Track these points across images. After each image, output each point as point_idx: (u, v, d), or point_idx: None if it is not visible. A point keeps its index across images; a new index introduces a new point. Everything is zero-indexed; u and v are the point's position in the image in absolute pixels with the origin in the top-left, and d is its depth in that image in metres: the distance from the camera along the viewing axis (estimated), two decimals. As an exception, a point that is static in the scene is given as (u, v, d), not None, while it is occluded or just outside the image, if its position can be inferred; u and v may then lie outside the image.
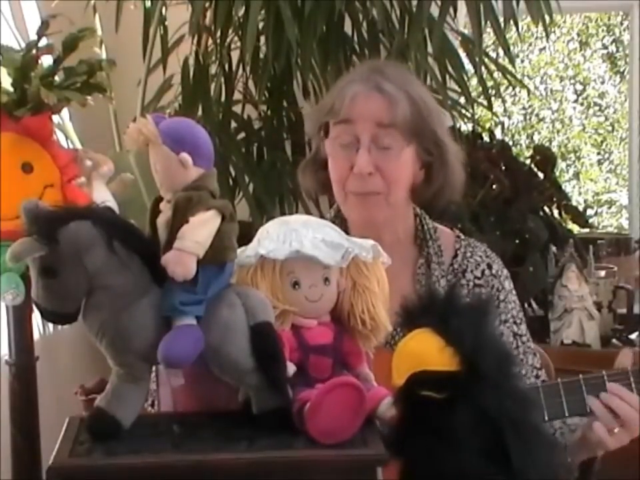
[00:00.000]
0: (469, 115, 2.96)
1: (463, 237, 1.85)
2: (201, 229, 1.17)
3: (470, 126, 3.22)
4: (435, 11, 2.65)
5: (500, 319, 1.76)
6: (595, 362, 2.49)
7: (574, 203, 3.57)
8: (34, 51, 1.53)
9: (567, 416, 1.65)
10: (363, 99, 1.70)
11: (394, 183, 1.70)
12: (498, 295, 1.78)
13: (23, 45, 1.55)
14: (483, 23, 2.62)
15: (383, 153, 1.69)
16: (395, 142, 1.69)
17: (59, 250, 1.15)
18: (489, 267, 1.80)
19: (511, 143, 3.74)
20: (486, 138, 3.27)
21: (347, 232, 1.72)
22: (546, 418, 1.61)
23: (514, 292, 1.82)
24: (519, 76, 3.60)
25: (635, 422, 1.60)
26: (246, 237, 1.28)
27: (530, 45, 6.47)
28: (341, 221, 1.79)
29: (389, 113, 1.68)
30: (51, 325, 2.61)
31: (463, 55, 2.83)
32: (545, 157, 3.25)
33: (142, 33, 2.82)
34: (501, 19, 2.64)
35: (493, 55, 3.16)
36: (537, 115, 6.54)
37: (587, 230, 3.69)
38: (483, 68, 2.76)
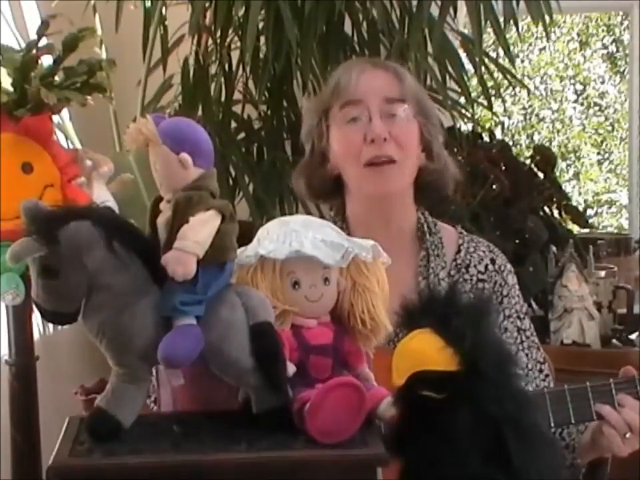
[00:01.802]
0: (469, 115, 2.96)
1: (465, 233, 1.86)
2: (201, 228, 1.17)
3: (470, 126, 3.22)
4: (435, 10, 2.65)
5: (504, 314, 1.76)
6: (594, 362, 2.49)
7: (574, 203, 3.57)
8: (34, 51, 1.53)
9: (574, 423, 1.65)
10: (370, 75, 1.72)
11: (408, 148, 1.72)
12: (501, 290, 1.79)
13: (23, 45, 1.55)
14: (483, 22, 2.62)
15: (394, 121, 1.71)
16: (404, 112, 1.72)
17: (59, 250, 1.15)
18: (492, 261, 1.81)
19: (511, 143, 3.75)
20: (486, 138, 3.27)
21: (347, 231, 1.74)
22: (552, 424, 1.61)
23: (517, 287, 1.82)
24: (519, 76, 3.60)
25: None
26: (246, 236, 1.28)
27: (530, 44, 6.47)
28: (341, 218, 1.79)
29: (397, 86, 1.72)
30: (51, 325, 2.60)
31: (463, 55, 2.83)
32: (545, 157, 3.25)
33: (142, 33, 2.82)
34: (501, 19, 2.64)
35: (493, 55, 3.17)
36: (537, 115, 6.54)
37: (587, 230, 3.69)
38: (483, 68, 2.76)
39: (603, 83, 6.54)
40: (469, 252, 1.81)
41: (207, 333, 1.19)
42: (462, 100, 2.94)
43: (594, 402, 1.63)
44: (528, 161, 3.26)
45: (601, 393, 1.63)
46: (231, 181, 2.77)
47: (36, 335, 1.66)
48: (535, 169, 3.21)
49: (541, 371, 1.78)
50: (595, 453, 1.71)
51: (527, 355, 1.77)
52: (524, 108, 6.50)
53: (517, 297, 1.81)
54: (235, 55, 2.81)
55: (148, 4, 2.82)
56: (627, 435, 1.61)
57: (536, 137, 6.45)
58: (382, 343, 1.32)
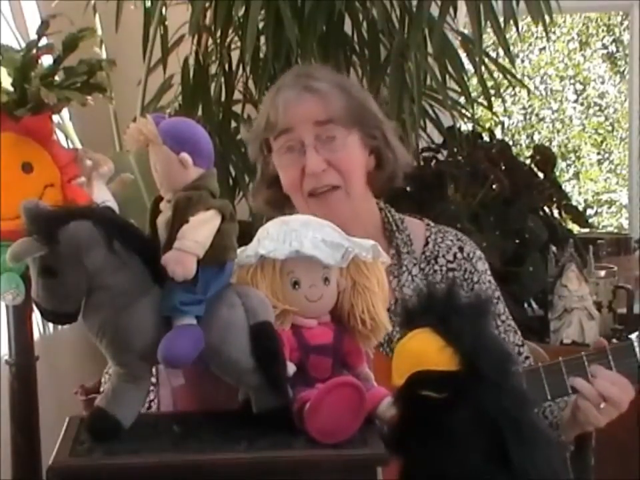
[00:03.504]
0: (469, 115, 2.97)
1: (432, 224, 1.87)
2: (201, 228, 1.17)
3: (470, 126, 3.22)
4: (435, 10, 2.65)
5: None
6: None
7: (574, 203, 3.57)
8: (34, 51, 1.52)
9: (550, 399, 1.68)
10: (296, 104, 1.71)
11: (349, 172, 1.72)
12: (471, 277, 1.80)
13: (23, 45, 1.55)
14: (483, 22, 2.62)
15: (330, 147, 1.70)
16: (338, 132, 1.71)
17: (58, 250, 1.15)
18: (461, 249, 1.82)
19: (511, 143, 3.75)
20: (486, 138, 3.27)
21: None
22: None
23: (489, 272, 1.84)
24: (519, 76, 3.60)
25: (620, 398, 1.63)
26: (246, 236, 1.28)
27: (530, 44, 6.47)
28: None
29: (324, 108, 1.70)
30: (51, 325, 2.61)
31: (463, 55, 2.83)
32: (544, 157, 3.26)
33: (142, 33, 2.83)
34: (501, 19, 2.64)
35: (493, 54, 3.17)
36: (537, 115, 6.54)
37: (587, 230, 3.70)
38: (483, 68, 2.76)
39: (603, 83, 6.53)
40: (437, 243, 1.82)
41: (207, 333, 1.19)
42: (462, 100, 2.94)
43: (567, 376, 1.64)
44: (528, 161, 3.26)
45: (574, 366, 1.66)
46: (231, 181, 2.77)
47: (36, 335, 1.65)
48: (535, 169, 3.21)
49: (519, 353, 1.79)
50: (576, 428, 1.72)
51: (503, 339, 1.77)
52: (524, 108, 6.50)
53: (487, 282, 1.82)
54: (235, 55, 2.81)
55: (148, 4, 2.82)
56: (602, 406, 1.63)
57: (536, 137, 6.45)
58: (381, 342, 1.32)
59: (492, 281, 1.83)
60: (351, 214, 1.73)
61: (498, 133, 4.06)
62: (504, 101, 4.94)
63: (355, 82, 1.83)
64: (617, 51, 6.50)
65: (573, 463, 1.74)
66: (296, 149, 1.71)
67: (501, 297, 1.83)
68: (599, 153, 6.57)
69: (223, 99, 2.82)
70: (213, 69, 2.84)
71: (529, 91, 5.27)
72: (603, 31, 6.57)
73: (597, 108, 6.55)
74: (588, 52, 6.57)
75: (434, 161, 3.17)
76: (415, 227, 1.85)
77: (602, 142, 6.55)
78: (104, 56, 2.71)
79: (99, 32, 2.79)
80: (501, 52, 2.78)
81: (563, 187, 3.44)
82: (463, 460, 1.16)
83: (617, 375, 1.65)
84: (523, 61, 6.41)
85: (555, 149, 5.47)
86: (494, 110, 3.09)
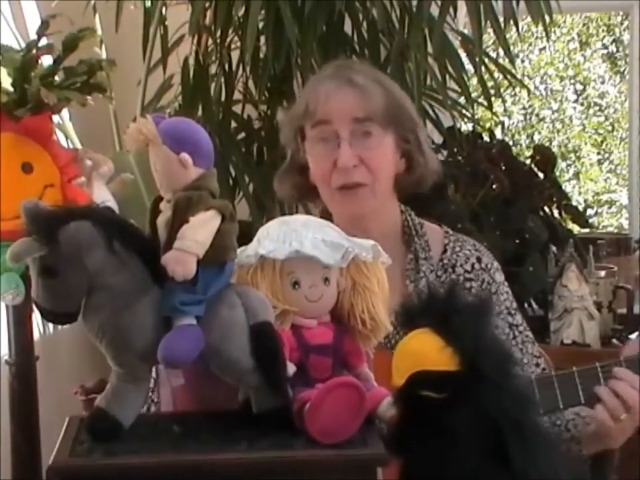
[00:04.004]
0: (469, 115, 2.96)
1: (451, 232, 1.86)
2: (201, 228, 1.17)
3: (470, 126, 3.22)
4: (435, 10, 2.65)
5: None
6: (594, 362, 2.49)
7: (574, 203, 3.57)
8: (34, 51, 1.52)
9: (562, 408, 1.66)
10: (336, 96, 1.70)
11: (378, 171, 1.71)
12: (489, 287, 1.79)
13: (23, 45, 1.55)
14: (483, 22, 2.62)
15: (364, 143, 1.70)
16: (375, 130, 1.71)
17: (59, 250, 1.15)
18: (479, 260, 1.81)
19: (511, 143, 3.75)
20: (486, 138, 3.27)
21: None
22: (541, 411, 1.61)
23: (506, 283, 1.83)
24: (519, 76, 3.60)
25: (636, 402, 1.61)
26: (246, 236, 1.28)
27: (530, 44, 6.47)
28: (328, 218, 1.79)
29: (364, 105, 1.70)
30: (51, 325, 2.61)
31: (463, 55, 2.83)
32: (544, 157, 3.25)
33: (142, 33, 2.82)
34: (501, 19, 2.64)
35: (493, 55, 3.17)
36: (537, 115, 6.54)
37: (587, 230, 3.69)
38: (483, 68, 2.76)
39: (603, 83, 6.54)
40: (455, 251, 1.81)
41: (207, 333, 1.19)
42: (462, 100, 2.94)
43: (581, 386, 1.64)
44: (528, 161, 3.26)
45: (587, 377, 1.64)
46: (231, 181, 2.77)
47: (36, 335, 1.66)
48: (535, 169, 3.21)
49: (537, 365, 1.79)
50: (598, 443, 1.71)
51: (520, 349, 1.78)
52: (524, 108, 6.50)
53: (505, 293, 1.81)
54: (235, 55, 2.81)
55: (148, 4, 2.82)
56: (622, 417, 1.61)
57: (536, 137, 6.45)
58: (382, 342, 1.32)
59: (509, 292, 1.82)
60: (373, 213, 1.75)
61: (498, 133, 4.06)
62: (504, 101, 4.94)
63: (392, 81, 1.82)
64: (617, 51, 6.50)
65: (592, 476, 1.74)
66: (330, 141, 1.71)
67: (518, 308, 1.82)
68: (599, 153, 6.57)
69: (223, 99, 2.82)
70: (213, 69, 2.84)
71: (529, 91, 5.27)
72: (603, 30, 6.57)
73: (597, 108, 6.56)
74: (588, 52, 6.57)
75: (434, 161, 3.17)
76: (433, 233, 1.84)
77: (602, 142, 6.55)
78: (104, 56, 2.71)
79: (99, 32, 2.79)
80: (501, 52, 2.78)
81: (563, 187, 3.43)
82: (463, 460, 1.16)
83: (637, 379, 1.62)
84: (523, 61, 6.41)
85: (555, 149, 5.47)
86: (494, 110, 3.09)
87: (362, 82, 1.71)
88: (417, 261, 1.79)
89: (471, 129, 3.23)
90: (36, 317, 1.50)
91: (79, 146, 2.60)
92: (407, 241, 1.81)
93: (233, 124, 2.86)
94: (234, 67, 2.84)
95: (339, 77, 1.73)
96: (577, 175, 6.56)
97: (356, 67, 1.79)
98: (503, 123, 5.23)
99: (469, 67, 2.88)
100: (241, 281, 1.26)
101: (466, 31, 2.99)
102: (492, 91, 3.04)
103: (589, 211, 6.20)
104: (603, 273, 2.96)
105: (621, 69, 6.37)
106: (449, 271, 1.80)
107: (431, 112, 2.93)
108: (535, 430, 1.19)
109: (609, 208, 6.39)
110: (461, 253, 1.81)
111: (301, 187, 1.81)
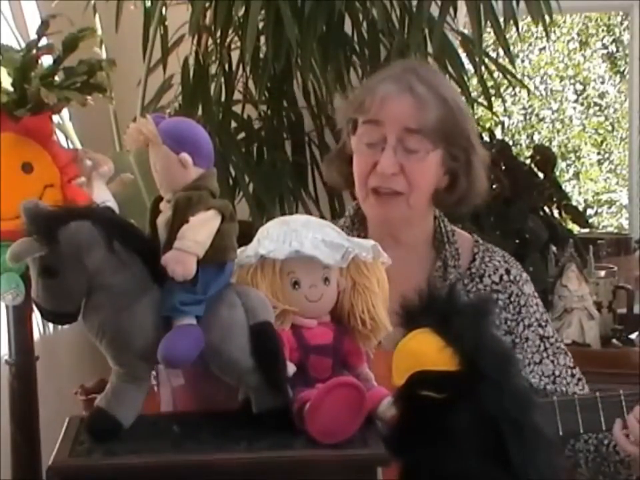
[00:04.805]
0: (469, 115, 2.96)
1: (481, 241, 1.84)
2: (201, 228, 1.17)
3: (470, 126, 3.21)
4: (435, 11, 2.65)
5: (523, 323, 1.76)
6: (595, 362, 2.49)
7: (574, 203, 3.57)
8: (34, 51, 1.52)
9: (582, 433, 1.64)
10: (394, 101, 1.68)
11: (416, 185, 1.70)
12: (518, 299, 1.78)
13: (23, 45, 1.55)
14: (483, 22, 2.62)
15: (409, 155, 1.68)
16: (422, 145, 1.68)
17: (59, 250, 1.15)
18: (507, 272, 1.79)
19: (511, 143, 3.74)
20: (486, 138, 3.27)
21: (365, 229, 1.76)
22: (560, 433, 1.60)
23: (536, 295, 1.81)
24: (519, 76, 3.59)
25: None
26: (246, 236, 1.28)
27: (530, 44, 6.47)
28: (360, 218, 1.79)
29: (418, 117, 1.67)
30: (51, 325, 2.60)
31: (463, 55, 2.83)
32: (544, 157, 3.25)
33: (142, 33, 2.82)
34: (501, 19, 2.64)
35: (493, 54, 3.17)
36: (537, 115, 6.55)
37: (587, 230, 3.69)
38: (483, 68, 2.76)
39: (603, 82, 6.54)
40: (484, 261, 1.79)
41: (207, 332, 1.19)
42: (462, 100, 2.94)
43: (603, 412, 1.61)
44: (528, 161, 3.26)
45: (610, 404, 1.62)
46: (231, 181, 2.77)
47: (36, 335, 1.65)
48: (535, 169, 3.21)
49: (572, 375, 1.77)
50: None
51: (552, 361, 1.76)
52: (524, 108, 6.50)
53: (535, 305, 1.79)
54: (235, 55, 2.81)
55: (148, 4, 2.82)
56: None
57: (536, 137, 6.45)
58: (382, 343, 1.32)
59: (539, 304, 1.81)
60: (406, 222, 1.74)
61: (498, 133, 4.06)
62: (504, 101, 4.94)
63: (457, 92, 1.77)
64: (617, 51, 6.50)
65: None
66: (376, 144, 1.69)
67: (549, 319, 1.81)
68: (599, 153, 6.57)
69: (223, 99, 2.82)
70: (213, 69, 2.83)
71: (528, 91, 5.26)
72: (603, 30, 6.57)
73: (597, 108, 6.56)
74: (588, 52, 6.57)
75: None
76: (463, 241, 1.81)
77: (602, 142, 6.55)
78: (104, 56, 2.70)
79: (99, 32, 2.78)
80: (501, 52, 2.78)
81: (563, 187, 3.43)
82: (463, 460, 1.16)
83: None
84: (523, 61, 6.41)
85: (555, 149, 5.47)
86: (494, 110, 3.09)
87: (423, 92, 1.68)
88: (446, 269, 1.76)
89: (471, 128, 3.22)
90: (36, 316, 1.50)
91: (78, 146, 2.60)
92: (437, 247, 1.79)
93: (233, 124, 2.85)
94: (234, 67, 2.84)
95: (401, 81, 1.70)
96: (576, 175, 6.56)
97: (422, 72, 1.74)
98: (502, 123, 5.23)
99: (468, 66, 2.88)
100: (240, 281, 1.26)
101: (466, 31, 2.99)
102: (492, 91, 3.03)
103: (589, 211, 6.20)
104: (603, 273, 2.95)
105: (621, 69, 6.38)
106: (476, 281, 1.78)
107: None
108: (536, 430, 1.19)
109: (609, 208, 6.39)
110: (490, 263, 1.79)
111: (346, 177, 1.79)
